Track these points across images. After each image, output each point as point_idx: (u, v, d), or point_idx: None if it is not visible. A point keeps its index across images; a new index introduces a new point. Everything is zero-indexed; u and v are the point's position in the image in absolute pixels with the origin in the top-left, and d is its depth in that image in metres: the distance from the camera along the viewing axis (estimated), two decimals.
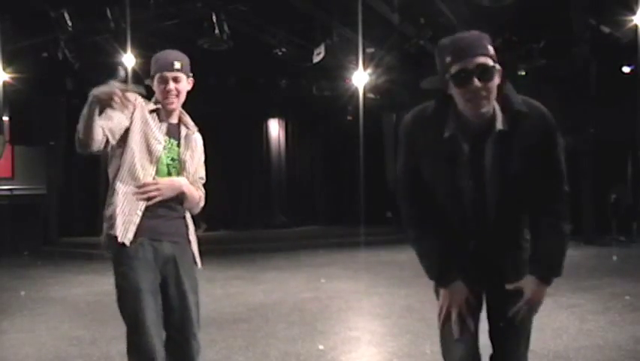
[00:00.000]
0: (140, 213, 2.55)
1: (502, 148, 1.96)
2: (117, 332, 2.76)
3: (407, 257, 10.14)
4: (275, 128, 14.87)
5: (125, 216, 2.53)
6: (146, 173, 2.59)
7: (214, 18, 8.30)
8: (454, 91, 1.91)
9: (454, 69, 1.87)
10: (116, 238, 2.50)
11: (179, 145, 2.69)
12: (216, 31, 8.31)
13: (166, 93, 2.61)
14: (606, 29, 9.59)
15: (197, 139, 2.80)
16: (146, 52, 9.05)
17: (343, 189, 14.68)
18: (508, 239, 2.10)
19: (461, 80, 1.86)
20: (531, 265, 2.07)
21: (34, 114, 12.02)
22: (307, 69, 11.01)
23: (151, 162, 2.61)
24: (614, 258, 9.63)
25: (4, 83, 9.98)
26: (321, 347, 4.57)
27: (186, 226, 2.74)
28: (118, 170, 2.59)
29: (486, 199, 2.02)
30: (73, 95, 11.53)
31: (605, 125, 11.84)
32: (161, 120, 2.66)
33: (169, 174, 2.67)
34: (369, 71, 10.99)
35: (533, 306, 2.07)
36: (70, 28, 8.31)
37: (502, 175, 1.98)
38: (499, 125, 1.94)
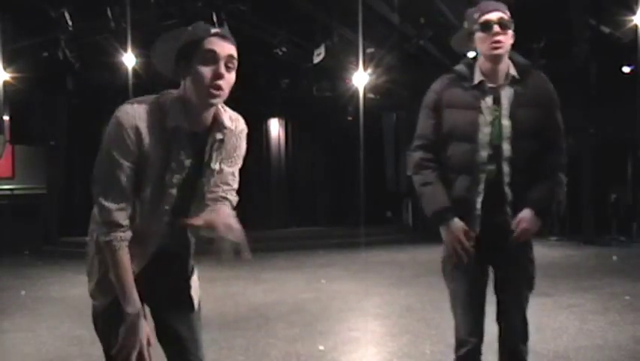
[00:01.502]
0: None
1: (515, 93, 2.44)
2: None
3: (407, 257, 10.21)
4: (275, 128, 14.86)
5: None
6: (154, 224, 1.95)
7: (214, 18, 8.30)
8: (479, 39, 2.45)
9: (481, 19, 2.43)
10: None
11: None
12: None
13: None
14: (606, 29, 9.60)
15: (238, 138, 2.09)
16: (146, 51, 9.06)
17: (343, 190, 14.67)
18: (519, 181, 2.42)
19: (485, 26, 2.41)
20: (529, 201, 2.42)
21: (34, 114, 12.02)
22: (307, 69, 11.02)
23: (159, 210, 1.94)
24: (614, 258, 9.63)
25: (5, 83, 9.98)
26: (321, 347, 4.57)
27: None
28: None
29: (501, 141, 2.41)
30: (74, 95, 11.55)
31: (605, 125, 11.84)
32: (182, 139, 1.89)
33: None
34: (369, 71, 10.99)
35: (527, 234, 2.41)
36: (70, 28, 8.33)
37: (515, 118, 2.41)
38: (512, 72, 2.47)
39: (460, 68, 2.53)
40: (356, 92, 11.20)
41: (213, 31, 1.85)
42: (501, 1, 2.50)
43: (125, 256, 1.86)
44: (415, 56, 10.34)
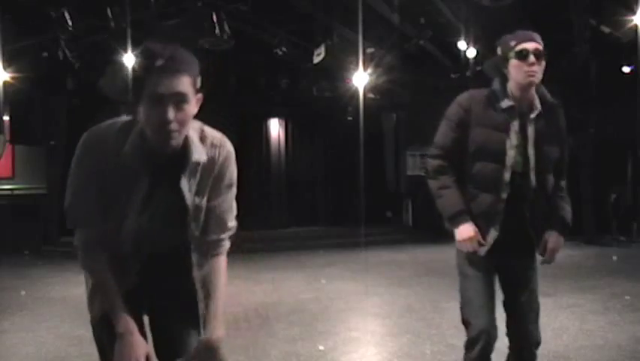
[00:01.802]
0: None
1: (539, 126, 2.58)
2: None
3: (407, 257, 10.21)
4: (275, 128, 14.85)
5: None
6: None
7: (214, 18, 8.29)
8: (513, 66, 2.55)
9: (517, 47, 2.53)
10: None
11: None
12: (217, 30, 8.31)
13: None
14: (606, 29, 9.58)
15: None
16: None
17: (343, 190, 14.67)
18: (538, 204, 2.60)
19: (522, 55, 2.52)
20: (551, 223, 2.64)
21: (34, 114, 12.01)
22: (307, 69, 11.01)
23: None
24: (614, 258, 9.63)
25: (5, 83, 9.96)
26: (321, 347, 4.57)
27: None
28: None
29: (528, 166, 2.56)
30: (74, 95, 11.55)
31: (605, 125, 11.84)
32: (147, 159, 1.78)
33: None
34: (369, 71, 10.99)
35: (555, 254, 2.61)
36: (70, 28, 8.30)
37: (538, 149, 2.57)
38: (538, 106, 2.59)
39: (496, 87, 2.63)
40: (356, 92, 11.19)
41: (156, 65, 1.62)
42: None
43: (105, 276, 1.82)
44: (415, 56, 10.32)
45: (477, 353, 2.53)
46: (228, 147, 1.92)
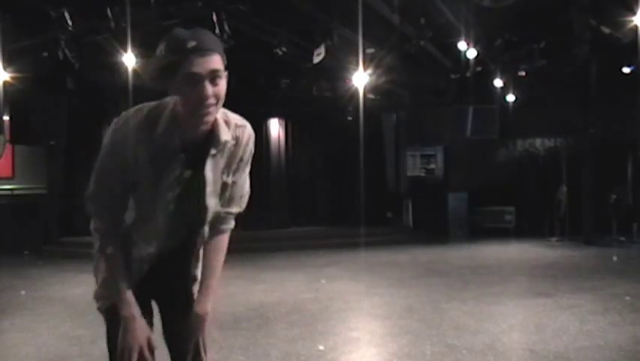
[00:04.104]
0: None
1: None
2: None
3: (407, 258, 10.21)
4: (275, 128, 14.85)
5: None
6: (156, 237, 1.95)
7: (214, 18, 8.29)
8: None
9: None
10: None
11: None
12: (217, 30, 8.31)
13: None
14: (606, 29, 9.59)
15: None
16: (146, 52, 9.03)
17: (343, 190, 14.67)
18: None
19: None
20: None
21: (34, 114, 12.01)
22: (307, 69, 11.00)
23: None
24: (614, 258, 9.63)
25: (5, 83, 9.96)
26: (321, 347, 4.57)
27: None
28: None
29: None
30: (74, 95, 11.54)
31: (605, 125, 11.85)
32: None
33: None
34: (369, 71, 10.99)
35: None
36: (70, 28, 8.31)
37: None
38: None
39: None
40: (356, 92, 11.19)
41: (189, 46, 1.69)
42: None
43: (119, 262, 1.89)
44: (415, 56, 10.33)
45: None
46: (249, 127, 2.03)
